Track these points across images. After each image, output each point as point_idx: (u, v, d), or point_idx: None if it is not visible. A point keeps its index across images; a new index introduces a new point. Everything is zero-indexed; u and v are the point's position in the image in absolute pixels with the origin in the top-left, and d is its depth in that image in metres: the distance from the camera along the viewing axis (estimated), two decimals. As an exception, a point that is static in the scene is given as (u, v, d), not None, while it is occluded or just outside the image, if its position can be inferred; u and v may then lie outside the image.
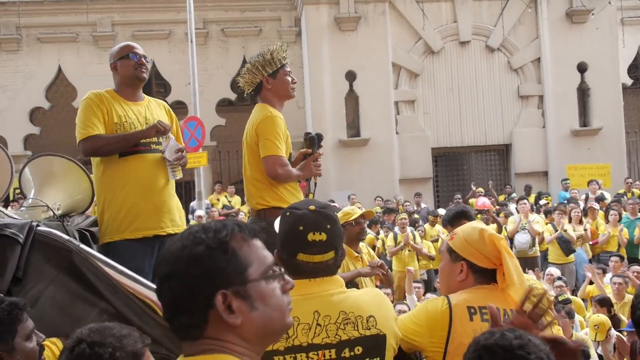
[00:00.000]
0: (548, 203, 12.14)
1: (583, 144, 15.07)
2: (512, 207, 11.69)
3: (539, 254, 10.01)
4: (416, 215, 11.75)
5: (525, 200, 10.83)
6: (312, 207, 1.92)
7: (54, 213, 3.06)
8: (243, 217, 10.88)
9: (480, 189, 13.60)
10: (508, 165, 15.67)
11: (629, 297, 6.84)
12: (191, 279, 1.20)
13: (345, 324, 1.85)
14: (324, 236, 1.88)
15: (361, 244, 4.82)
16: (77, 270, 2.50)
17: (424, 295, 7.78)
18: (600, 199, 11.67)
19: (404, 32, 15.05)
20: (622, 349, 5.34)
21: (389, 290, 6.81)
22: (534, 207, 11.80)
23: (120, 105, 3.35)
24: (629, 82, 16.73)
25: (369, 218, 5.26)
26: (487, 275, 2.22)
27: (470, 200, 12.79)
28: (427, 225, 10.64)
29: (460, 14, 15.15)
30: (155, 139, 3.36)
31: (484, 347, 1.37)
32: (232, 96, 15.57)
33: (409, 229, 9.81)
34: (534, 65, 15.37)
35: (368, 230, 9.24)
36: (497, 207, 12.00)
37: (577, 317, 6.39)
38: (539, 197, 13.20)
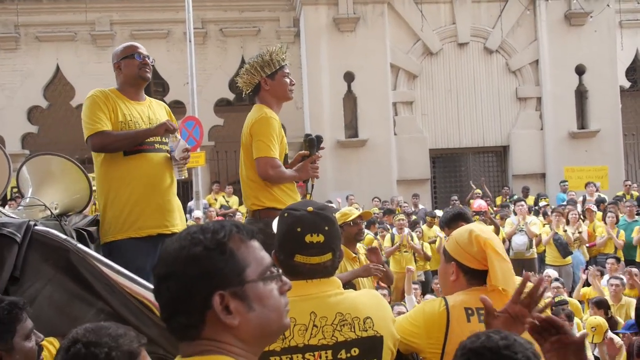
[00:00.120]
0: (548, 205, 12.16)
1: (581, 146, 15.09)
2: (513, 209, 11.68)
3: (536, 256, 10.02)
4: (414, 217, 11.76)
5: (522, 202, 10.84)
6: (310, 209, 1.92)
7: (51, 212, 3.05)
8: (240, 217, 10.88)
9: (478, 191, 13.61)
10: (506, 167, 15.69)
11: (625, 299, 6.86)
12: (189, 279, 1.20)
13: (342, 325, 1.85)
14: (321, 238, 1.88)
15: (358, 245, 4.83)
16: (75, 269, 2.50)
17: (422, 295, 7.78)
18: (600, 202, 11.70)
19: (403, 33, 15.06)
20: (611, 350, 5.36)
21: (385, 292, 6.82)
22: (533, 208, 11.80)
23: (124, 104, 3.37)
24: (627, 84, 16.77)
25: (366, 219, 5.27)
26: (478, 277, 2.22)
27: (472, 201, 12.78)
28: (424, 227, 10.63)
29: (458, 16, 15.17)
30: (159, 139, 3.38)
31: (471, 350, 1.38)
32: (231, 96, 15.57)
33: (406, 230, 9.81)
34: (532, 67, 15.39)
35: (367, 231, 9.26)
36: (496, 207, 11.99)
37: (575, 320, 6.40)
38: (538, 198, 13.22)
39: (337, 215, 4.12)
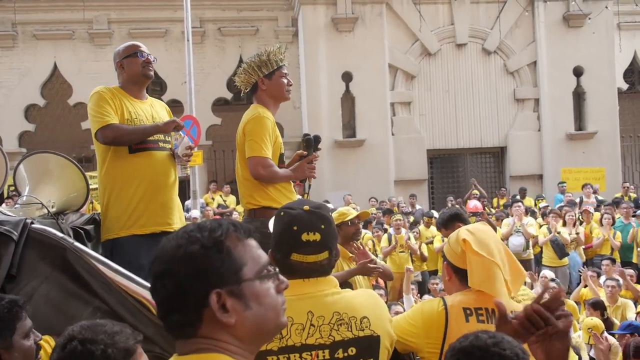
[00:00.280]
0: (547, 206, 12.17)
1: (578, 147, 15.12)
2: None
3: (532, 256, 10.05)
4: (411, 217, 11.76)
5: (519, 203, 10.85)
6: (306, 207, 1.92)
7: (48, 211, 3.05)
8: (238, 216, 10.88)
9: (475, 192, 13.61)
10: (503, 168, 15.71)
11: (622, 301, 6.88)
12: (185, 277, 1.20)
13: (339, 325, 1.85)
14: (318, 236, 1.88)
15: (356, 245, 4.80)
16: (71, 268, 2.49)
17: (418, 295, 7.78)
18: (600, 203, 11.72)
19: (401, 34, 15.07)
20: (597, 341, 5.37)
21: (382, 291, 6.82)
22: (532, 209, 11.81)
23: (129, 102, 3.39)
24: (625, 86, 16.81)
25: (364, 219, 5.26)
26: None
27: (468, 201, 12.79)
28: (421, 227, 10.64)
29: (457, 16, 15.18)
30: (162, 137, 3.40)
31: (460, 350, 1.39)
32: (228, 95, 15.57)
33: (403, 231, 9.82)
34: (530, 69, 15.41)
35: (365, 231, 9.26)
36: (497, 208, 11.98)
37: (571, 320, 6.41)
38: (537, 200, 13.24)
39: (334, 214, 4.11)
